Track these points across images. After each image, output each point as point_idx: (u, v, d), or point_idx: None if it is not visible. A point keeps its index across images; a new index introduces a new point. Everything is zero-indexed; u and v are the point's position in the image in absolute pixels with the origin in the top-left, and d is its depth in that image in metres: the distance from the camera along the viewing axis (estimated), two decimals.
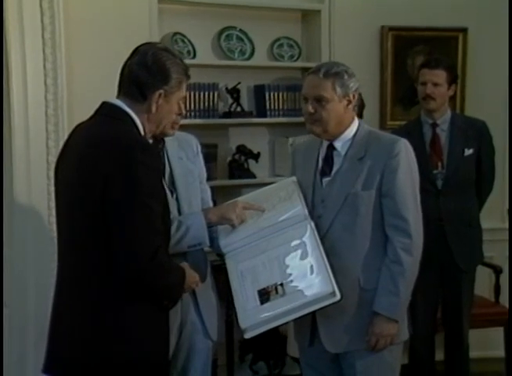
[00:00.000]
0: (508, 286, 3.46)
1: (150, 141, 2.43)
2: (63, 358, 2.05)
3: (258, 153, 4.01)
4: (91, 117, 2.14)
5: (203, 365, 2.54)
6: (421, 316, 3.57)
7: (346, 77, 2.43)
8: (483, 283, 3.95)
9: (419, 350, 3.66)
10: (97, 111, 2.13)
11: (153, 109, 2.09)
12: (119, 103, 2.09)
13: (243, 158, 3.99)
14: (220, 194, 3.52)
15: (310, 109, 2.43)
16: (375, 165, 2.43)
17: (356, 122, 2.53)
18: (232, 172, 3.99)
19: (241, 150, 3.99)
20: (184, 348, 2.49)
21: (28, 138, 3.24)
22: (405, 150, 2.46)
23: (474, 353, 3.70)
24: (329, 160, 2.52)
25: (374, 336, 2.42)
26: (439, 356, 3.70)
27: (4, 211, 3.32)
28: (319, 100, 2.42)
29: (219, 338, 2.63)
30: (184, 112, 2.43)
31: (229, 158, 4.01)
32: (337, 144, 2.50)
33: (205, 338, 2.52)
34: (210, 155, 3.85)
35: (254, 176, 3.99)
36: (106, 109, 2.11)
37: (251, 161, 4.01)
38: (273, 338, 3.77)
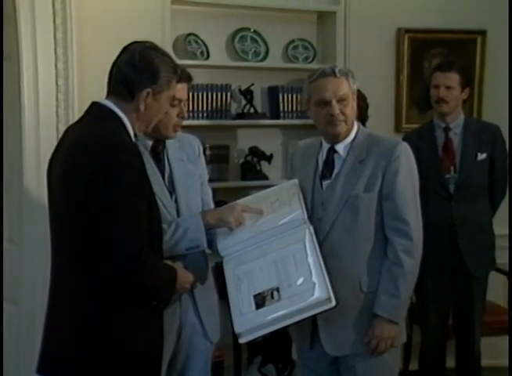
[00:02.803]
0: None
1: (150, 142, 2.45)
2: (54, 359, 2.05)
3: (271, 155, 4.00)
4: (81, 118, 2.15)
5: (202, 367, 2.54)
6: (432, 321, 3.55)
7: (352, 76, 2.49)
8: (497, 290, 3.89)
9: (429, 356, 3.62)
10: (86, 112, 2.14)
11: (142, 108, 2.07)
12: (107, 102, 2.08)
13: (255, 160, 3.98)
14: (232, 195, 3.50)
15: (337, 110, 2.43)
16: (376, 168, 2.44)
17: (355, 125, 2.54)
18: (245, 174, 3.98)
19: (254, 151, 3.98)
20: (183, 350, 2.49)
21: (39, 137, 3.27)
22: (405, 152, 2.47)
23: (486, 362, 3.65)
24: (329, 163, 2.52)
25: (375, 338, 2.41)
26: (450, 363, 3.65)
27: (14, 208, 3.36)
28: (342, 100, 2.44)
29: (226, 339, 2.62)
30: (185, 115, 2.45)
31: (242, 160, 4.01)
32: (339, 147, 2.51)
33: (204, 340, 2.51)
34: (222, 156, 3.87)
35: (266, 178, 3.98)
36: (94, 109, 2.11)
37: (264, 163, 4.00)
38: (282, 341, 3.75)
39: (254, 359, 3.89)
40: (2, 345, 3.24)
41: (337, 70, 2.45)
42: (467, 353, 3.57)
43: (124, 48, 2.15)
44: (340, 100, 2.43)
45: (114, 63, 2.13)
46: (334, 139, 2.51)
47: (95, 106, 2.11)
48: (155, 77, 2.07)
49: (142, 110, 2.08)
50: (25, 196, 3.28)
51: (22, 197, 3.29)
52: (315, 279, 2.20)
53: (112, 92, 2.11)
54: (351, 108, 2.47)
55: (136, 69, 2.06)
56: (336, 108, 2.43)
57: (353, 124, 2.51)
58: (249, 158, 3.99)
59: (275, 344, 3.78)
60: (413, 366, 3.88)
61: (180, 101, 2.39)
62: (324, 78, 2.45)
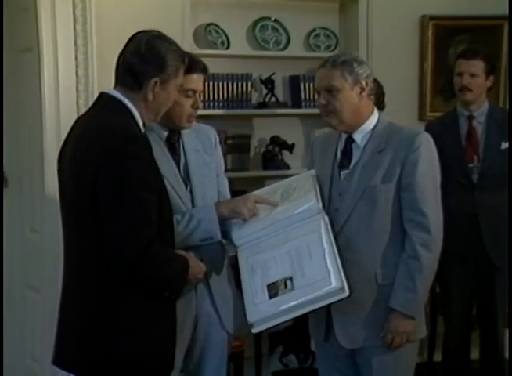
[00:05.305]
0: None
1: (165, 133, 2.45)
2: (68, 352, 2.06)
3: (293, 144, 3.98)
4: (90, 109, 2.15)
5: (219, 357, 2.54)
6: (455, 313, 3.51)
7: (355, 64, 2.40)
8: None
9: (453, 348, 3.58)
10: (95, 102, 2.13)
11: (150, 97, 2.06)
12: (115, 93, 2.07)
13: (277, 149, 3.97)
14: (253, 185, 3.49)
15: (322, 101, 2.41)
16: (395, 158, 2.38)
17: (376, 114, 2.49)
18: (266, 163, 3.97)
19: (275, 140, 3.96)
20: (199, 340, 2.49)
21: (59, 128, 3.27)
22: (426, 143, 2.41)
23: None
24: (347, 152, 2.48)
25: (390, 333, 2.38)
26: (475, 354, 3.61)
27: (35, 199, 3.40)
28: (330, 91, 2.39)
29: (246, 330, 2.60)
30: (200, 105, 2.44)
31: (263, 149, 4.00)
32: (356, 136, 2.46)
33: (221, 330, 2.51)
34: (243, 146, 3.87)
35: (288, 167, 3.96)
36: (102, 100, 2.10)
37: (285, 152, 3.99)
38: (303, 331, 3.73)
39: (275, 350, 3.89)
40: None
41: (329, 61, 2.40)
42: (491, 344, 3.52)
43: (131, 38, 2.13)
44: (328, 91, 2.39)
45: (121, 53, 2.12)
46: (336, 129, 2.46)
47: (103, 96, 2.11)
48: (162, 66, 2.06)
49: (151, 100, 2.07)
50: (46, 186, 3.30)
51: (43, 188, 3.32)
52: (329, 269, 2.18)
53: (119, 82, 2.10)
54: (344, 101, 2.37)
55: (143, 58, 2.05)
56: (321, 98, 2.41)
57: (356, 116, 2.41)
58: (270, 148, 3.97)
59: (297, 334, 3.77)
60: (437, 357, 3.85)
61: (195, 92, 2.39)
62: (319, 68, 2.45)
